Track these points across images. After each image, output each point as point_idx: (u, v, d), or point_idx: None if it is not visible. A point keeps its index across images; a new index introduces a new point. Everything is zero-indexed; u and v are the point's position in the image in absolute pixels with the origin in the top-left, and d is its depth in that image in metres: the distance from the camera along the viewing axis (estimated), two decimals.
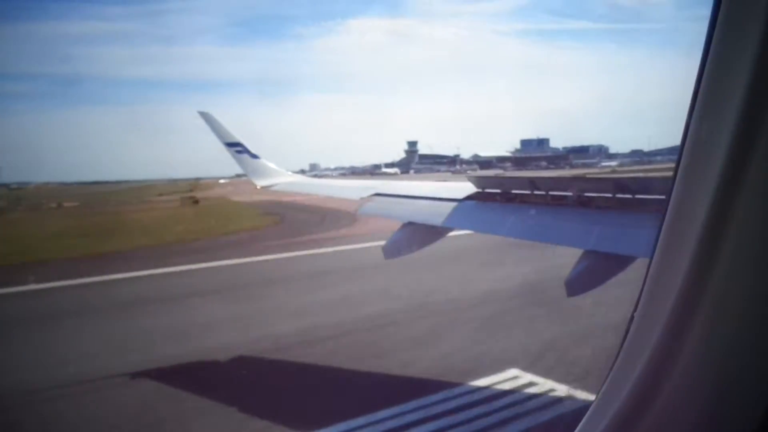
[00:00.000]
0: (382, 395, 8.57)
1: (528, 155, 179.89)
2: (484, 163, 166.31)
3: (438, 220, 7.90)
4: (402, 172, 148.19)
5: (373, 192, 9.75)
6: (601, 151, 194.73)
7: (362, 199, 9.76)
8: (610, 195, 6.27)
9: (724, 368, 1.44)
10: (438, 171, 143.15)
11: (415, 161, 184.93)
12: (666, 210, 1.53)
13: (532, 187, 7.22)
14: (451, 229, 8.00)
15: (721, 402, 1.46)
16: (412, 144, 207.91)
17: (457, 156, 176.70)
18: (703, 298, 1.41)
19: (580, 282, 6.06)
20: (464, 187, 8.09)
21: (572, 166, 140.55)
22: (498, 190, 7.68)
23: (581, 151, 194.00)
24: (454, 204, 7.93)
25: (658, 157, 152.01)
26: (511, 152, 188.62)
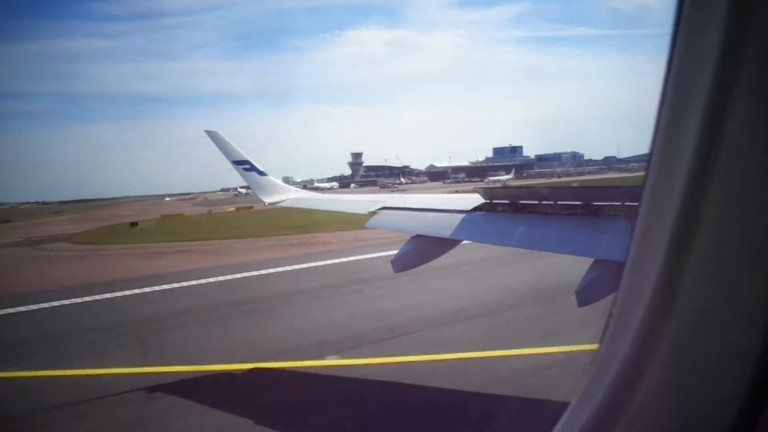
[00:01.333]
0: None
1: (486, 165, 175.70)
2: (438, 174, 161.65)
3: (446, 232, 7.87)
4: (341, 186, 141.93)
5: (381, 206, 9.75)
6: (576, 159, 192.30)
7: (370, 213, 9.76)
8: (619, 203, 6.23)
9: (698, 369, 1.45)
10: (381, 184, 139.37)
11: (360, 173, 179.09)
12: (638, 214, 1.55)
13: (541, 197, 7.19)
14: (459, 241, 7.97)
15: (694, 403, 1.46)
16: (357, 156, 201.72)
17: (406, 167, 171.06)
18: (675, 301, 1.42)
19: (591, 291, 6.00)
20: (472, 199, 8.07)
21: (535, 176, 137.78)
22: (506, 201, 7.65)
23: (554, 159, 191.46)
24: (462, 215, 7.90)
25: (632, 164, 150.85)
26: (474, 162, 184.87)
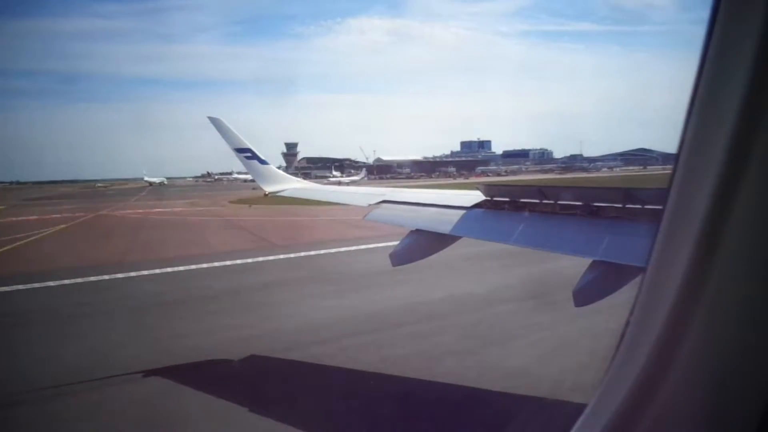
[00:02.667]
0: None
1: (434, 160, 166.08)
2: (384, 168, 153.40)
3: (446, 228, 7.87)
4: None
5: (381, 199, 9.74)
6: (544, 156, 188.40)
7: (370, 205, 9.75)
8: (620, 205, 6.22)
9: (721, 372, 1.43)
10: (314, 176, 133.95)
11: (293, 166, 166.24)
12: (662, 214, 1.53)
13: (541, 196, 7.18)
14: (458, 237, 7.96)
15: (717, 406, 1.45)
16: (291, 146, 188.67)
17: (346, 160, 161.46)
18: (700, 302, 1.41)
19: (588, 292, 6.01)
20: (473, 195, 8.06)
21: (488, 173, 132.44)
22: (507, 199, 7.64)
23: (521, 155, 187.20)
24: (462, 212, 7.90)
25: (599, 164, 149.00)
26: (435, 157, 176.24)
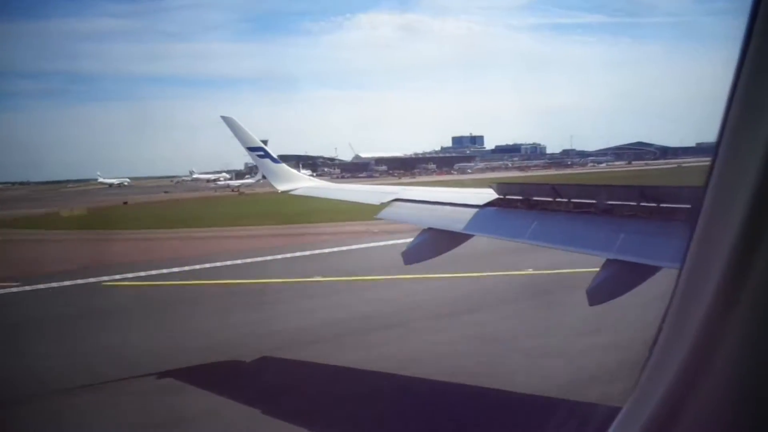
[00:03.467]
0: None
1: (415, 157, 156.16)
2: (362, 166, 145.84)
3: (459, 226, 7.88)
4: (238, 178, 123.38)
5: (394, 197, 9.77)
6: (537, 151, 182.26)
7: (382, 204, 9.78)
8: (634, 203, 6.19)
9: (759, 378, 1.40)
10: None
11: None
12: (698, 217, 1.48)
13: (555, 195, 7.16)
14: (471, 236, 7.97)
15: (754, 413, 1.42)
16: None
17: (319, 158, 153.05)
18: (738, 306, 1.37)
19: (602, 291, 6.00)
20: (485, 194, 8.06)
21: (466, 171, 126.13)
22: (519, 197, 7.64)
23: (513, 150, 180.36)
24: (474, 210, 7.90)
25: (589, 159, 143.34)
26: (417, 153, 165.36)
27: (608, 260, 5.91)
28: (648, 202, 6.01)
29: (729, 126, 1.39)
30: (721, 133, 1.41)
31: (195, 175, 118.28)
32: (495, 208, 7.78)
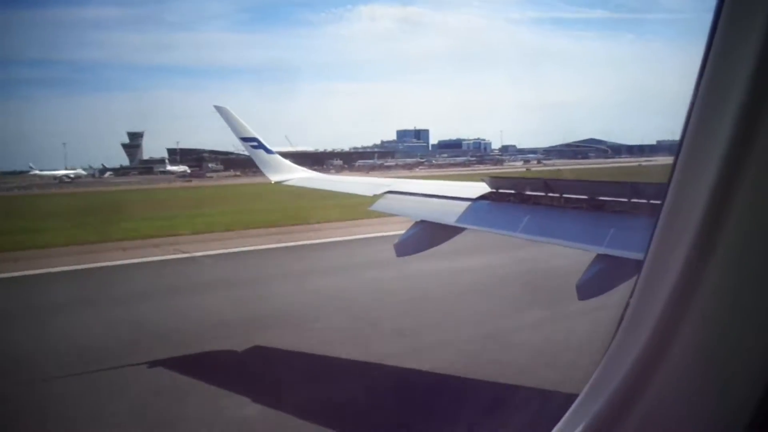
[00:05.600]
0: None
1: (326, 152, 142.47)
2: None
3: (451, 219, 7.91)
4: (118, 175, 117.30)
5: (386, 189, 9.78)
6: (480, 147, 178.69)
7: (375, 196, 9.79)
8: (625, 199, 6.25)
9: (713, 370, 1.43)
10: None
11: (137, 158, 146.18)
12: (661, 209, 1.52)
13: (547, 189, 7.21)
14: (463, 229, 8.00)
15: (709, 403, 1.45)
16: (134, 136, 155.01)
17: (216, 152, 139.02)
18: (695, 299, 1.41)
19: (592, 285, 6.06)
20: (478, 187, 8.10)
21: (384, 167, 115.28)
22: (512, 191, 7.68)
23: (455, 146, 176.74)
24: (467, 203, 7.93)
25: (519, 156, 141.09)
26: (356, 147, 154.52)
27: (598, 255, 5.97)
28: (639, 198, 6.07)
29: (692, 123, 1.42)
30: (684, 130, 1.44)
31: (35, 171, 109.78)
32: (487, 201, 7.82)
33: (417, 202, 9.10)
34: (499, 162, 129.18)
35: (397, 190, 9.72)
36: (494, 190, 7.84)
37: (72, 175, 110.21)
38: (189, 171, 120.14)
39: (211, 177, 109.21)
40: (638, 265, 4.75)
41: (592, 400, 1.63)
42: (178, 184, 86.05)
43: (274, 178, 12.56)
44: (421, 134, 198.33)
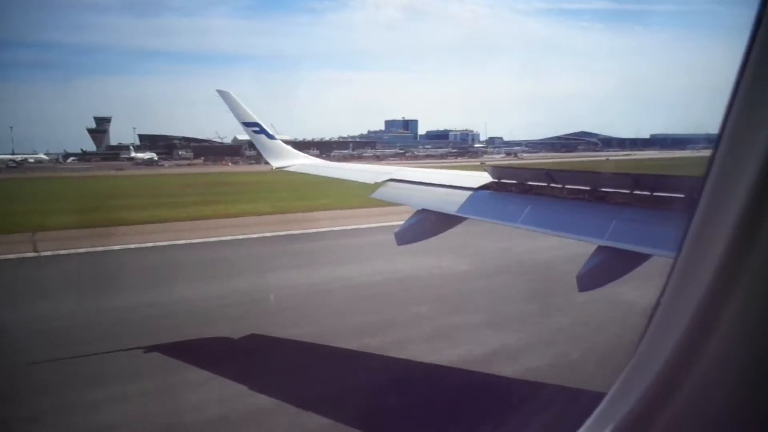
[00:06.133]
0: None
1: (304, 141, 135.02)
2: (235, 148, 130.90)
3: (452, 209, 7.88)
4: (81, 161, 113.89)
5: (388, 177, 9.74)
6: (467, 139, 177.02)
7: (377, 183, 9.75)
8: (627, 191, 6.21)
9: (747, 371, 1.40)
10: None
11: (105, 144, 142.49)
12: (696, 207, 1.47)
13: (549, 180, 7.17)
14: (464, 218, 7.98)
15: (740, 406, 1.42)
16: (101, 121, 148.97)
17: (182, 139, 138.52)
18: (733, 297, 1.36)
19: (593, 277, 6.04)
20: (480, 177, 8.05)
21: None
22: (514, 181, 7.63)
23: (442, 137, 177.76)
24: (468, 193, 7.89)
25: (497, 149, 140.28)
26: (343, 136, 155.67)
27: (599, 247, 5.94)
28: (642, 191, 6.03)
29: (732, 117, 1.37)
30: (724, 125, 1.39)
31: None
32: (489, 191, 7.78)
33: (418, 191, 9.06)
34: (476, 155, 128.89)
35: (399, 179, 9.68)
36: (496, 180, 7.80)
37: (19, 159, 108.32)
38: (156, 158, 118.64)
39: (180, 165, 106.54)
40: (641, 257, 4.72)
41: (621, 401, 1.60)
42: (131, 171, 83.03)
43: (275, 163, 12.51)
44: (409, 124, 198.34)
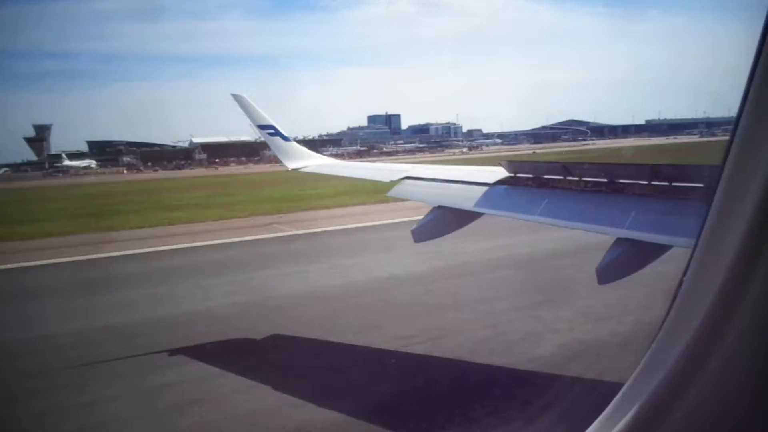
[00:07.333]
0: None
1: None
2: (187, 152, 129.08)
3: (469, 204, 7.89)
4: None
5: (404, 175, 9.78)
6: (449, 132, 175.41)
7: (392, 182, 9.80)
8: (645, 182, 6.17)
9: (764, 363, 1.40)
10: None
11: (45, 153, 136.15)
12: (713, 198, 1.47)
13: (566, 173, 7.15)
14: (481, 214, 7.98)
15: (760, 393, 1.42)
16: (41, 129, 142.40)
17: (129, 144, 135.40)
18: (749, 291, 1.36)
19: (613, 269, 6.02)
20: (496, 172, 8.06)
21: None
22: (531, 175, 7.63)
23: (423, 131, 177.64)
24: (485, 188, 7.90)
25: (476, 142, 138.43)
26: (322, 134, 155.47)
27: (618, 239, 5.92)
28: (660, 181, 5.99)
29: (749, 102, 1.36)
30: (741, 111, 1.38)
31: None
32: (505, 186, 7.78)
33: (434, 188, 9.08)
34: (440, 149, 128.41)
35: (414, 176, 9.71)
36: (512, 175, 7.79)
37: None
38: (94, 165, 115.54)
39: (122, 172, 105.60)
40: (660, 249, 4.68)
41: (640, 389, 1.60)
42: (55, 181, 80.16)
43: (291, 165, 12.59)
44: (391, 119, 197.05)
